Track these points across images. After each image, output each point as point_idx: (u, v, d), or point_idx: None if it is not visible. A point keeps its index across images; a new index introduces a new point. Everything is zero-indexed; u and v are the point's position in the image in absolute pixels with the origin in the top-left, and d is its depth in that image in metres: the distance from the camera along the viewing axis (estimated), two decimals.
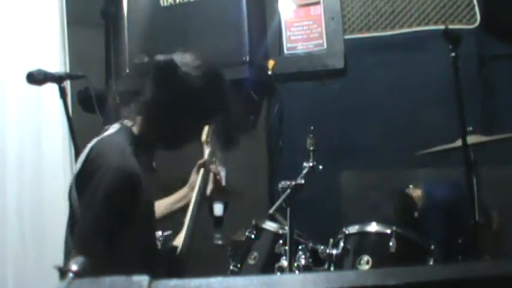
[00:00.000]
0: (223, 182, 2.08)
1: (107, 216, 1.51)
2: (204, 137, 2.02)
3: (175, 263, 1.73)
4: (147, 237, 1.71)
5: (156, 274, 1.42)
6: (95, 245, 1.50)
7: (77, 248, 1.53)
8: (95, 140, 1.69)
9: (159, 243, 1.87)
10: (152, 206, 1.78)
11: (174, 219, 2.03)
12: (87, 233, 1.53)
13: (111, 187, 1.53)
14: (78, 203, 1.60)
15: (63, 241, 1.69)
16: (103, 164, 1.56)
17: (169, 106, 1.70)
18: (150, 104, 1.72)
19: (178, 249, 1.73)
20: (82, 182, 1.60)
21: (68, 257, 1.62)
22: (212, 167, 2.04)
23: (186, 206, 1.93)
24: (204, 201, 2.00)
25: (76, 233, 1.58)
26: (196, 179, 1.98)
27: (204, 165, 2.01)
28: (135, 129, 1.73)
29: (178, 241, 1.77)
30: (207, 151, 2.03)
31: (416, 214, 2.68)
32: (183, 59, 1.75)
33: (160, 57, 1.73)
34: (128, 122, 1.74)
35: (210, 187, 2.03)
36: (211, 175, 2.03)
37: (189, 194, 2.01)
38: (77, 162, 1.69)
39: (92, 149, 1.64)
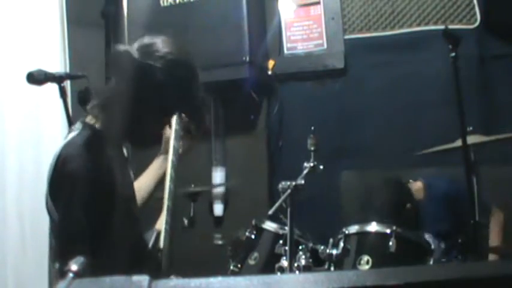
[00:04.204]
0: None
1: (84, 219, 1.50)
2: None
3: (160, 252, 1.69)
4: (130, 231, 1.68)
5: (143, 269, 1.39)
6: (75, 251, 1.49)
7: (59, 256, 1.53)
8: (61, 146, 1.67)
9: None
10: (131, 199, 1.75)
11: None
12: (67, 241, 1.52)
13: (83, 191, 1.52)
14: (54, 210, 1.59)
15: (48, 252, 1.69)
16: (72, 170, 1.54)
17: (126, 98, 1.63)
18: (108, 97, 1.66)
19: (161, 236, 1.68)
20: (54, 191, 1.60)
21: (52, 267, 1.63)
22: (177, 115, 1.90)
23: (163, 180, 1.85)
24: (181, 159, 1.89)
25: (57, 243, 1.57)
26: (168, 141, 1.89)
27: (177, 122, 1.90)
28: (97, 126, 1.68)
29: (160, 224, 1.72)
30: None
31: (408, 205, 2.66)
32: (149, 45, 1.67)
33: (117, 48, 1.68)
34: (90, 119, 1.70)
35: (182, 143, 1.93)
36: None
37: (166, 157, 1.92)
38: (48, 170, 1.65)
39: (59, 156, 1.62)
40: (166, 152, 1.93)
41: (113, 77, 1.69)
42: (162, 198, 1.78)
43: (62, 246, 1.54)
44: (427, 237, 2.70)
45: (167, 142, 1.91)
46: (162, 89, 1.65)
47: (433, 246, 2.46)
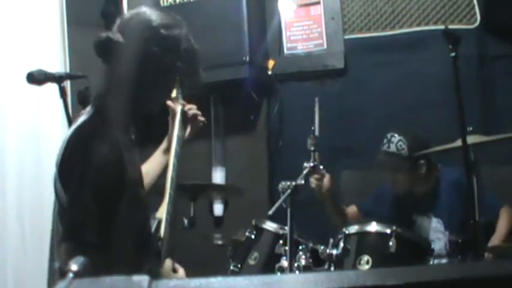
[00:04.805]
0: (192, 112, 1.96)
1: (94, 204, 1.50)
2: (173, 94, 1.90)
3: (160, 240, 1.69)
4: (137, 217, 1.68)
5: (148, 257, 1.39)
6: (83, 235, 1.49)
7: (65, 240, 1.52)
8: (71, 130, 1.68)
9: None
10: (138, 183, 1.75)
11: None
12: (75, 224, 1.52)
13: (94, 175, 1.52)
14: (63, 195, 1.59)
15: (50, 235, 1.69)
16: (83, 154, 1.55)
17: (123, 78, 1.65)
18: (106, 84, 1.69)
19: (162, 225, 1.68)
20: (65, 174, 1.59)
21: (55, 249, 1.62)
22: (181, 106, 1.92)
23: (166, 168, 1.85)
24: (185, 145, 1.90)
25: (63, 225, 1.57)
26: (173, 128, 1.90)
27: (181, 113, 1.92)
28: (106, 108, 1.68)
29: (161, 212, 1.71)
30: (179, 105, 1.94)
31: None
32: (130, 19, 1.72)
33: (99, 36, 1.70)
34: (98, 103, 1.71)
35: (188, 129, 1.95)
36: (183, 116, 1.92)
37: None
38: (57, 153, 1.66)
39: (69, 140, 1.63)
40: (171, 139, 1.92)
41: (104, 64, 1.70)
42: (164, 186, 1.77)
43: (71, 229, 1.54)
44: (435, 221, 2.72)
45: (173, 124, 1.91)
46: (159, 58, 1.67)
47: (433, 246, 2.46)
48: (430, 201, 2.86)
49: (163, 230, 1.66)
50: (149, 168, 1.96)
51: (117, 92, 1.67)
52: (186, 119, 1.93)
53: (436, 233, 2.79)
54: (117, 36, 1.68)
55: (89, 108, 1.72)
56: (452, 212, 2.77)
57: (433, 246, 2.52)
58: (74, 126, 1.69)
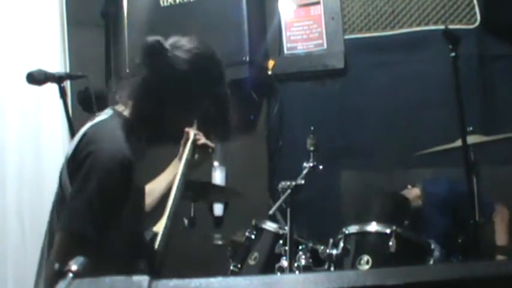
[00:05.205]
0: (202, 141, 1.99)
1: (98, 200, 1.49)
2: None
3: (154, 253, 1.70)
4: (134, 225, 1.68)
5: (140, 265, 1.39)
6: (82, 227, 1.48)
7: (64, 229, 1.51)
8: (87, 126, 1.67)
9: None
10: (142, 193, 1.76)
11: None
12: (76, 215, 1.50)
13: (104, 172, 1.51)
14: (68, 186, 1.58)
15: (47, 226, 1.68)
16: (96, 150, 1.54)
17: (155, 88, 1.67)
18: (138, 86, 1.69)
19: (158, 238, 1.69)
20: (74, 167, 1.58)
21: (51, 241, 1.61)
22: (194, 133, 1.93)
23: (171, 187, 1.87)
24: (193, 171, 1.93)
25: (64, 215, 1.55)
26: (184, 150, 1.92)
27: (191, 136, 1.93)
28: (126, 114, 1.70)
29: (159, 227, 1.71)
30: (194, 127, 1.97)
31: (406, 223, 2.65)
32: (176, 42, 1.73)
33: (149, 39, 1.70)
34: (119, 107, 1.72)
35: (197, 156, 1.96)
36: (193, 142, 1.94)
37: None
38: (69, 147, 1.66)
39: (84, 134, 1.62)
40: (180, 159, 1.95)
41: (142, 67, 1.70)
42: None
43: (70, 219, 1.52)
44: (432, 245, 2.70)
45: (184, 148, 1.93)
46: (187, 81, 1.68)
47: (432, 246, 2.46)
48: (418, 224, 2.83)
49: (158, 243, 1.66)
50: (157, 184, 1.98)
51: (146, 98, 1.68)
52: (196, 146, 1.94)
53: None
54: (166, 45, 1.70)
55: (107, 110, 1.72)
56: (441, 225, 2.77)
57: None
58: (91, 123, 1.69)
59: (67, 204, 1.56)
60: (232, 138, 1.92)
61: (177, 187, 1.79)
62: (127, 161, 1.56)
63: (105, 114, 1.71)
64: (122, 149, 1.57)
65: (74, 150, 1.61)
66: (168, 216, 1.70)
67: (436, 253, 2.43)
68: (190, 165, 1.89)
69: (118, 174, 1.54)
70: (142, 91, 1.68)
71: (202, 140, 1.96)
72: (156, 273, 1.62)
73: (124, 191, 1.56)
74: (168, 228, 1.68)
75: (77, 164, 1.57)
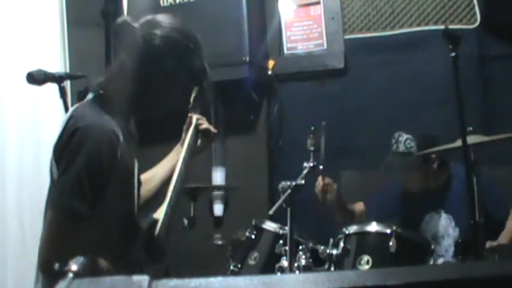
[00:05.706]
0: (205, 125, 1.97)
1: (87, 175, 1.48)
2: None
3: (153, 239, 1.67)
4: (124, 204, 1.66)
5: (132, 247, 1.38)
6: (73, 203, 1.47)
7: (54, 206, 1.51)
8: (70, 110, 1.68)
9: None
10: (132, 174, 1.72)
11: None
12: (66, 191, 1.49)
13: (92, 145, 1.51)
14: (55, 171, 1.57)
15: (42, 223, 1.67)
16: (83, 125, 1.54)
17: (131, 68, 1.65)
18: (115, 68, 1.69)
19: (158, 225, 1.67)
20: (61, 147, 1.57)
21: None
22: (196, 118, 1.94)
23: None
24: (194, 157, 1.91)
25: (53, 192, 1.55)
26: (186, 137, 1.91)
27: (194, 121, 1.93)
28: (107, 95, 1.69)
29: (159, 213, 1.68)
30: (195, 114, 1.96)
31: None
32: (150, 19, 1.72)
33: (117, 20, 1.71)
34: (100, 89, 1.71)
35: (199, 141, 1.96)
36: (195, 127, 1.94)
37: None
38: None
39: (70, 117, 1.62)
40: (182, 145, 1.93)
41: (116, 50, 1.72)
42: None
43: (59, 196, 1.51)
44: (445, 217, 2.74)
45: (186, 133, 1.92)
46: (161, 56, 1.66)
47: (432, 246, 2.46)
48: (441, 197, 2.83)
49: (158, 230, 1.64)
50: (156, 171, 1.96)
51: (119, 80, 1.67)
52: (198, 131, 1.94)
53: (446, 229, 2.77)
54: (134, 23, 1.69)
55: (89, 95, 1.72)
56: (462, 209, 2.76)
57: (442, 241, 2.52)
58: (74, 107, 1.69)
59: (56, 182, 1.55)
60: (231, 137, 1.92)
61: (179, 173, 1.77)
62: (114, 135, 1.55)
63: (86, 100, 1.70)
64: (108, 124, 1.57)
65: (58, 137, 1.60)
66: (169, 203, 1.67)
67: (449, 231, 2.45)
68: (192, 151, 1.87)
69: (106, 147, 1.53)
70: (119, 71, 1.68)
71: (205, 125, 1.95)
72: (155, 260, 1.62)
73: (112, 164, 1.54)
74: (168, 215, 1.65)
75: (64, 144, 1.55)
